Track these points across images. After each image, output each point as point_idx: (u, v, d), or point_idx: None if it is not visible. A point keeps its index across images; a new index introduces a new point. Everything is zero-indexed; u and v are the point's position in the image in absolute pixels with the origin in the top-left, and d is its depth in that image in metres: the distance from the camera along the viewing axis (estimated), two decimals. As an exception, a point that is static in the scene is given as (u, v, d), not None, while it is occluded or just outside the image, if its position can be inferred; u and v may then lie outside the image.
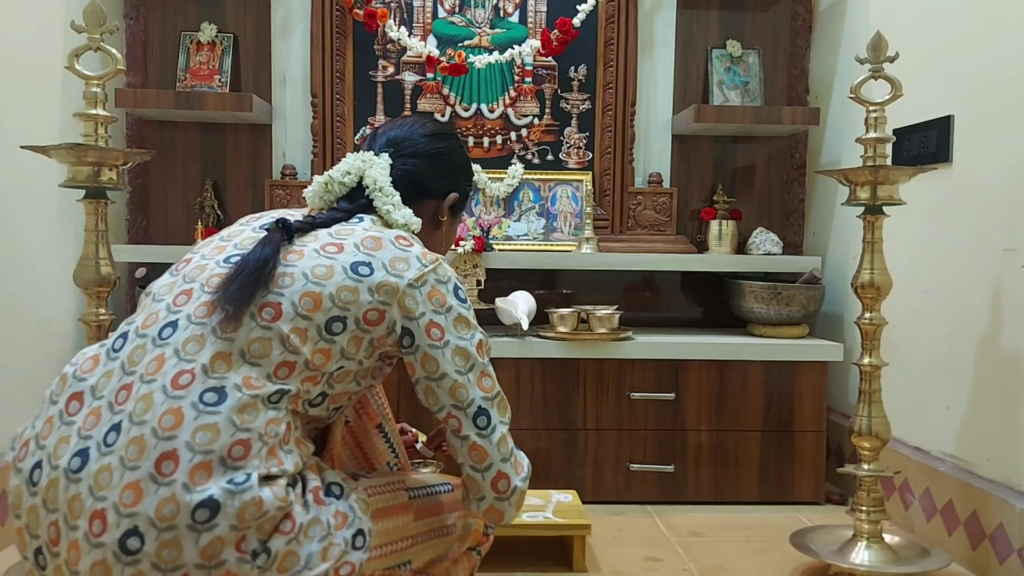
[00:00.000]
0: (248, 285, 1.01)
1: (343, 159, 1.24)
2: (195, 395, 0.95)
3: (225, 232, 1.17)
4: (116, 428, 0.95)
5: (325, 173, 1.23)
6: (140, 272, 2.62)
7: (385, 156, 1.23)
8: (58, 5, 2.29)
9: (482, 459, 1.09)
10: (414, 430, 1.52)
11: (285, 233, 1.09)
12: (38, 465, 0.98)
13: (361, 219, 1.16)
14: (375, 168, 1.21)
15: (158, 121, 2.79)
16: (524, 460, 1.15)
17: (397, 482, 1.16)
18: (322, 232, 1.12)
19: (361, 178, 1.20)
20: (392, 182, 1.21)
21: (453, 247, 2.50)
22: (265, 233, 1.10)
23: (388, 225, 1.18)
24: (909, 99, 1.95)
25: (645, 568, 1.98)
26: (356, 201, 1.20)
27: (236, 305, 1.00)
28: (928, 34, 2.19)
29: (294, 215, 1.18)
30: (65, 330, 2.34)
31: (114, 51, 1.77)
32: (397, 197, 1.20)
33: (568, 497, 2.12)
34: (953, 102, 2.08)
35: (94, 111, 1.74)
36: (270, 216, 1.19)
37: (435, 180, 1.27)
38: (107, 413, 0.97)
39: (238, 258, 1.07)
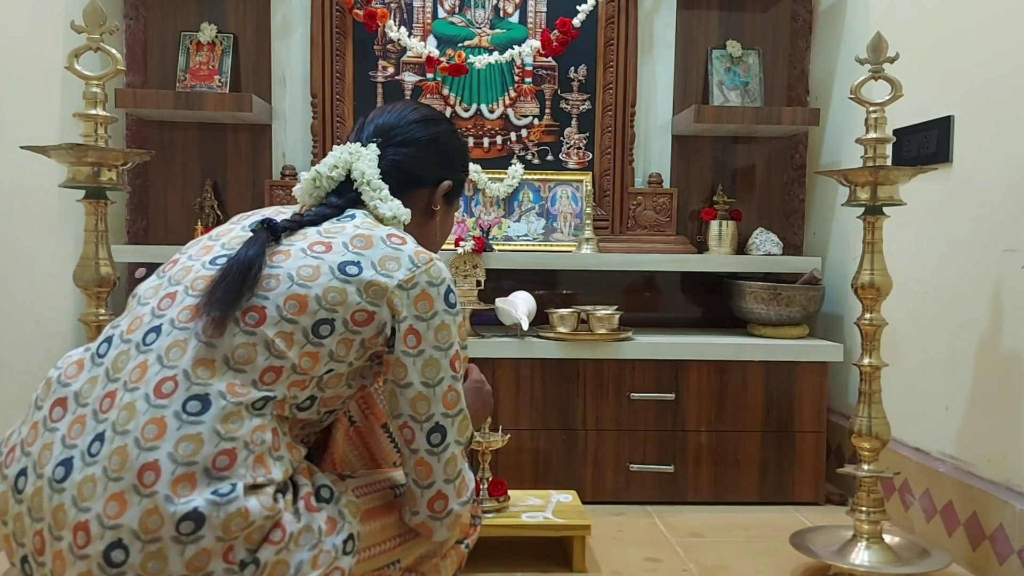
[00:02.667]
0: (233, 289, 0.98)
1: (330, 153, 1.20)
2: (178, 404, 0.93)
3: (215, 231, 1.14)
4: (100, 438, 0.93)
5: (313, 169, 1.18)
6: (140, 272, 2.62)
7: (373, 146, 1.19)
8: (58, 5, 2.29)
9: (426, 476, 1.06)
10: None
11: (271, 233, 1.05)
12: (23, 472, 0.97)
13: (353, 216, 1.12)
14: (362, 160, 1.16)
15: (158, 121, 2.79)
16: (470, 484, 1.11)
17: (383, 480, 1.14)
18: (311, 230, 1.08)
19: (349, 171, 1.16)
20: (381, 173, 1.17)
21: (453, 247, 2.50)
22: (251, 233, 1.07)
23: (380, 220, 1.14)
24: (909, 100, 1.95)
25: (645, 568, 1.97)
26: (345, 195, 1.15)
27: (222, 310, 0.97)
28: (928, 35, 2.19)
29: (284, 213, 1.15)
30: (65, 330, 2.34)
31: (114, 51, 1.77)
32: (386, 190, 1.16)
33: (568, 497, 2.11)
34: (953, 102, 2.08)
35: (94, 111, 1.74)
36: (261, 214, 1.15)
37: (427, 168, 1.22)
38: (91, 422, 0.95)
39: (224, 259, 1.04)
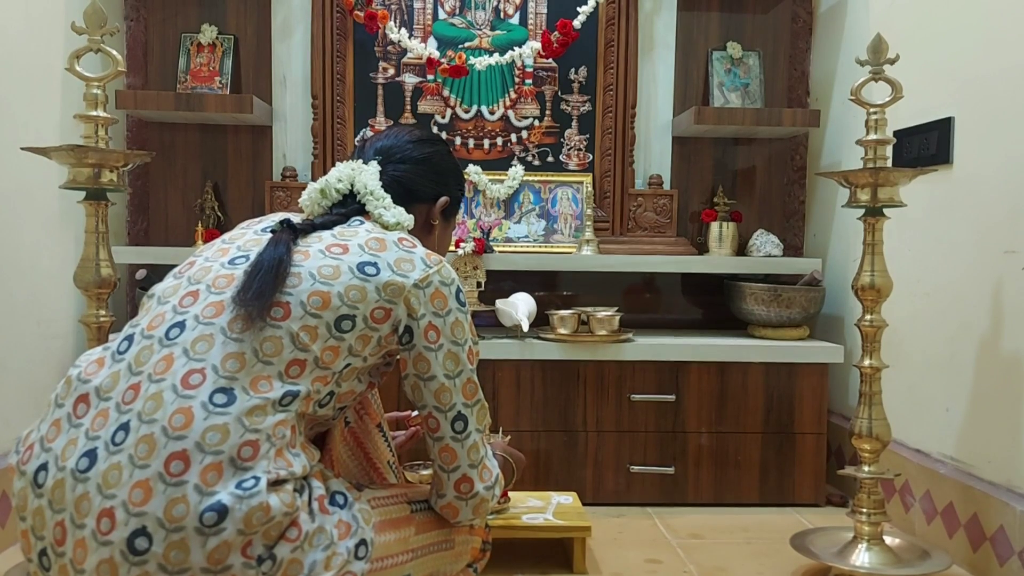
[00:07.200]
0: (267, 285, 1.03)
1: (333, 168, 1.27)
2: (205, 395, 0.96)
3: (227, 236, 1.20)
4: (124, 427, 0.95)
5: (320, 179, 1.25)
6: (140, 274, 2.62)
7: (374, 164, 1.26)
8: (59, 7, 2.29)
9: (451, 461, 1.13)
10: (409, 412, 1.60)
11: (292, 233, 1.11)
12: (43, 467, 0.98)
13: (361, 222, 1.18)
14: (364, 174, 1.24)
15: (158, 123, 2.79)
16: (495, 470, 1.18)
17: (400, 494, 1.17)
18: (325, 234, 1.14)
19: (352, 184, 1.24)
20: (383, 188, 1.24)
21: (454, 248, 2.50)
22: (270, 235, 1.12)
23: (384, 227, 1.20)
24: (909, 101, 1.95)
25: (645, 570, 1.97)
26: (349, 206, 1.23)
27: (257, 306, 1.01)
28: (928, 36, 2.19)
29: (293, 218, 1.19)
30: (65, 332, 2.34)
31: (115, 53, 1.77)
32: (388, 199, 1.23)
33: (568, 499, 2.11)
34: (953, 104, 2.08)
35: (94, 113, 1.74)
36: (270, 219, 1.21)
37: (424, 184, 1.29)
38: (114, 413, 0.97)
39: (243, 259, 1.09)
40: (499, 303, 2.46)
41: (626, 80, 2.79)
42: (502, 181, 2.79)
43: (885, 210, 1.82)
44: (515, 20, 2.84)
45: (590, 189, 2.80)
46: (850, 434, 1.88)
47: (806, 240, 2.91)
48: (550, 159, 2.85)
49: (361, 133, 2.80)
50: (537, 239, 2.80)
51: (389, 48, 2.81)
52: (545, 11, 2.82)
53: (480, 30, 2.83)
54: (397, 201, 1.24)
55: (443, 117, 2.83)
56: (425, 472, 1.89)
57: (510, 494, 2.05)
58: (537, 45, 2.75)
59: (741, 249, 2.81)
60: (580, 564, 1.95)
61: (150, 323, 1.05)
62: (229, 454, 0.93)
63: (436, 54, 2.74)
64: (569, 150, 2.85)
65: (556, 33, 2.72)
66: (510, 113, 2.85)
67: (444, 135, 2.81)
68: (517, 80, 2.84)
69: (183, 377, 0.97)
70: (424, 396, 1.12)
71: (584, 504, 2.12)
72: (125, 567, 0.90)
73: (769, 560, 2.04)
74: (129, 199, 2.77)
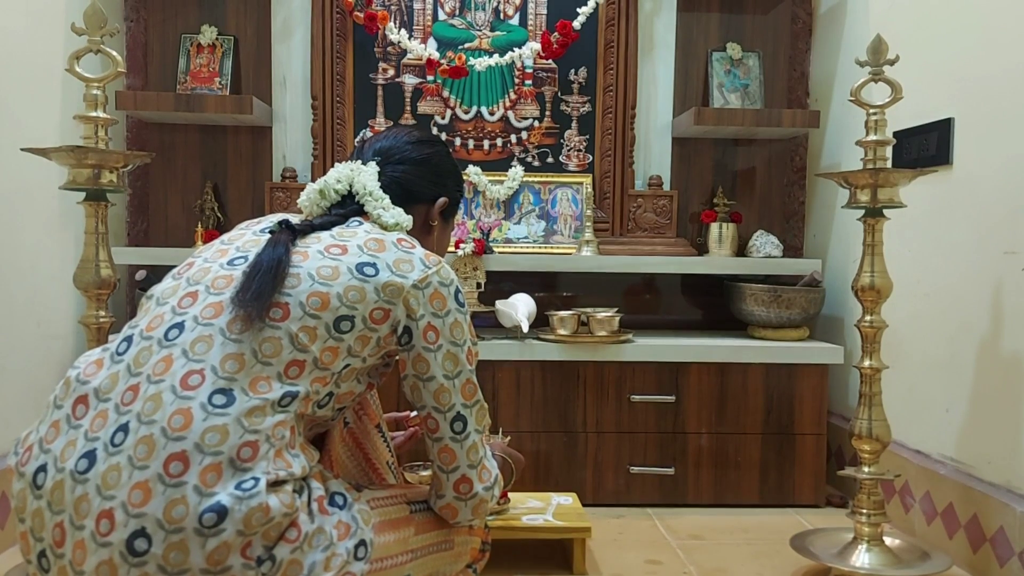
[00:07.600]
0: (266, 286, 1.03)
1: (332, 169, 1.27)
2: (204, 396, 0.96)
3: (225, 237, 1.20)
4: (124, 428, 0.95)
5: (319, 180, 1.25)
6: (140, 274, 2.62)
7: (372, 165, 1.26)
8: (59, 7, 2.29)
9: (450, 461, 1.13)
10: (408, 412, 1.60)
11: (290, 234, 1.11)
12: (42, 468, 0.98)
13: (360, 223, 1.18)
14: (363, 175, 1.24)
15: (158, 123, 2.79)
16: (494, 471, 1.18)
17: (399, 495, 1.17)
18: (324, 234, 1.14)
19: (351, 185, 1.24)
20: (381, 188, 1.24)
21: (453, 249, 2.50)
22: (268, 235, 1.12)
23: (383, 227, 1.20)
24: (909, 102, 1.95)
25: (645, 571, 1.97)
26: (348, 207, 1.23)
27: (256, 307, 1.01)
28: (928, 37, 2.19)
29: (292, 219, 1.19)
30: (65, 332, 2.34)
31: (114, 53, 1.77)
32: (387, 200, 1.23)
33: (568, 499, 2.11)
34: (953, 104, 2.08)
35: (94, 113, 1.74)
36: (269, 220, 1.21)
37: (423, 185, 1.29)
38: (114, 414, 0.97)
39: (242, 260, 1.09)
40: (499, 304, 2.46)
41: (626, 81, 2.79)
42: (502, 182, 2.79)
43: (885, 211, 1.82)
44: (515, 21, 2.84)
45: (590, 190, 2.80)
46: (850, 435, 1.88)
47: (806, 241, 2.91)
48: (550, 160, 2.85)
49: (361, 134, 2.80)
50: (537, 240, 2.80)
51: (389, 49, 2.81)
52: (545, 12, 2.82)
53: (480, 31, 2.83)
54: (396, 202, 1.24)
55: (443, 118, 2.83)
56: (424, 473, 1.89)
57: (509, 495, 2.05)
58: (537, 46, 2.75)
59: (741, 250, 2.81)
60: (580, 565, 1.94)
61: (149, 324, 1.05)
62: (228, 455, 0.93)
63: (436, 55, 2.74)
64: (569, 151, 2.85)
65: (556, 34, 2.72)
66: (510, 114, 2.85)
67: (444, 136, 2.81)
68: (517, 81, 2.84)
69: (182, 378, 0.97)
70: (423, 397, 1.12)
71: (584, 505, 2.12)
72: (124, 568, 0.90)
73: (769, 561, 2.04)
74: (129, 200, 2.77)
